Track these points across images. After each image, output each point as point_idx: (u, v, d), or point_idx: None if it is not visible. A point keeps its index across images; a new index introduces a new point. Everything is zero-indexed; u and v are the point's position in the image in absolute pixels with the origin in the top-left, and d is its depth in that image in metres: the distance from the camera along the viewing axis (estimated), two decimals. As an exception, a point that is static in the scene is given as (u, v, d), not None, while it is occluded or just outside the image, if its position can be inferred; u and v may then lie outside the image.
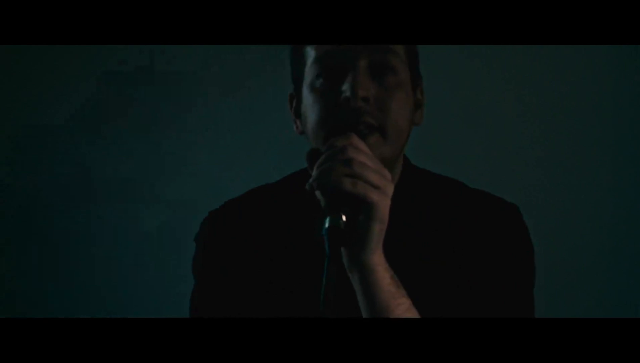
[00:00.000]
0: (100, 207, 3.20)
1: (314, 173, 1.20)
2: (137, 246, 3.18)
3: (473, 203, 1.47)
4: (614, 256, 2.84)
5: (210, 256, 1.47)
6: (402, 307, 1.26)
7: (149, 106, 3.18)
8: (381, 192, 1.18)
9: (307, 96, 1.36)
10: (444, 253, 1.39)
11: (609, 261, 2.84)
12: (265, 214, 1.44)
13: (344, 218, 1.13)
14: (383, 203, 1.18)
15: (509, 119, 2.91)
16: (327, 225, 1.12)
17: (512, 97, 2.91)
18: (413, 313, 1.29)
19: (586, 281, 2.85)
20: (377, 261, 1.22)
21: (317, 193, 1.19)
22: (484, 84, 2.92)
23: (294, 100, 1.43)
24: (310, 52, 1.36)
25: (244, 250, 1.43)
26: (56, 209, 3.23)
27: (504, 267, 1.41)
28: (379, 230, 1.19)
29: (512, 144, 2.91)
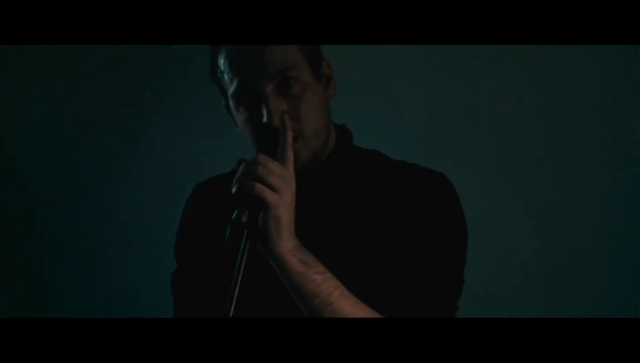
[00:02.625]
0: (104, 206, 3.21)
1: (233, 182, 1.43)
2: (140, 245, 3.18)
3: (402, 175, 1.59)
4: (614, 256, 2.84)
5: (190, 221, 1.76)
6: (315, 282, 1.43)
7: (154, 104, 3.18)
8: (279, 194, 1.39)
9: (236, 117, 1.59)
10: (374, 224, 1.54)
11: (609, 261, 2.85)
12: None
13: (245, 212, 1.37)
14: (278, 202, 1.39)
15: (509, 119, 2.91)
16: (233, 216, 1.36)
17: (512, 97, 2.91)
18: (330, 284, 1.44)
19: (586, 281, 2.85)
20: (284, 250, 1.41)
21: (232, 199, 1.42)
22: (484, 84, 2.92)
23: (228, 109, 1.64)
24: (228, 86, 1.57)
25: (220, 217, 1.58)
26: (60, 208, 3.23)
27: (436, 233, 1.54)
28: (275, 226, 1.39)
29: (512, 144, 2.91)
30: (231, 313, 1.35)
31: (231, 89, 1.55)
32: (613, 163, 2.85)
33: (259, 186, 1.39)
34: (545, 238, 2.89)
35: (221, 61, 1.58)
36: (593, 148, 2.86)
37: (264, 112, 1.51)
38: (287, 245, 1.42)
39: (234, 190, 1.41)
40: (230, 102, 1.59)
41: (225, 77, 1.56)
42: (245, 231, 1.38)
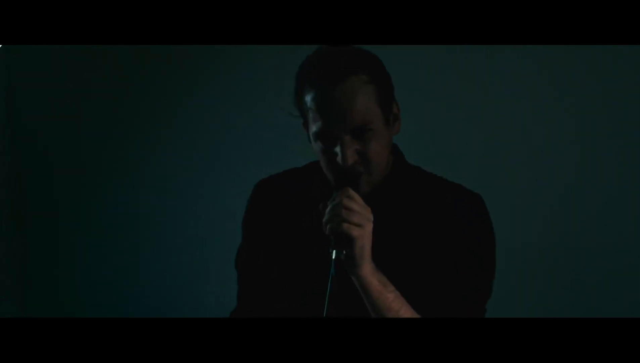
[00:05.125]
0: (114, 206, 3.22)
1: (324, 220, 1.74)
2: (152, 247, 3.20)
3: (444, 195, 1.90)
4: (614, 256, 2.84)
5: (256, 216, 1.98)
6: (390, 299, 1.76)
7: (161, 107, 3.19)
8: (362, 228, 1.72)
9: (314, 144, 1.85)
10: (420, 237, 1.85)
11: (609, 261, 2.85)
12: (298, 190, 1.94)
13: (344, 252, 1.72)
14: (362, 235, 1.72)
15: (509, 120, 2.91)
16: (334, 257, 1.71)
17: (513, 98, 2.91)
18: (399, 302, 1.77)
19: (586, 281, 2.85)
20: (366, 272, 1.74)
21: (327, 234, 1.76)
22: (484, 84, 2.93)
23: (306, 126, 1.87)
24: (311, 121, 1.82)
25: (282, 214, 1.94)
26: (72, 209, 3.25)
27: (470, 249, 1.84)
28: (359, 254, 1.73)
29: (512, 144, 2.91)
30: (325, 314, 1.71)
31: (314, 128, 1.81)
32: (613, 162, 2.85)
33: (346, 225, 1.71)
34: (546, 239, 2.89)
35: (308, 100, 1.82)
36: (593, 148, 2.86)
37: (339, 152, 1.78)
38: (368, 268, 1.75)
39: (326, 231, 1.73)
40: (311, 134, 1.83)
41: (311, 114, 1.81)
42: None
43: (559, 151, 2.88)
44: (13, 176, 3.24)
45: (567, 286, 2.86)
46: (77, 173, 3.23)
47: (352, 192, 1.75)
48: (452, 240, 1.83)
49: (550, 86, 2.89)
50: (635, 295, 2.81)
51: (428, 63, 2.94)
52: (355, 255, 1.72)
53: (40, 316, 3.15)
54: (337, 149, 1.79)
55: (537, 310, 2.85)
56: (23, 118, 3.25)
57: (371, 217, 1.74)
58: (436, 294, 1.80)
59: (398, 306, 1.76)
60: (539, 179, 2.89)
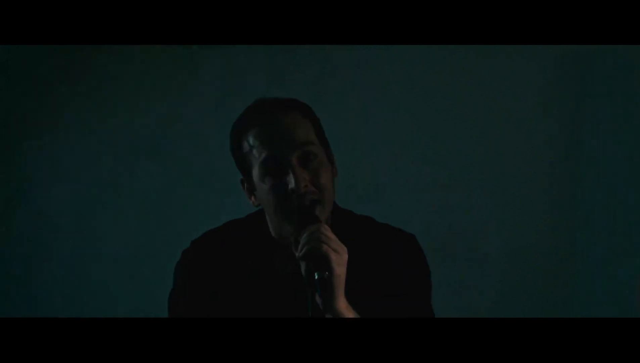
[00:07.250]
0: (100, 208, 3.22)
1: (302, 244, 1.74)
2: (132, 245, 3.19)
3: (381, 235, 1.94)
4: (614, 256, 2.84)
5: (190, 284, 1.92)
6: None
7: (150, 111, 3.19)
8: (338, 254, 1.74)
9: (260, 188, 1.85)
10: (364, 273, 1.86)
11: (608, 261, 2.85)
12: (238, 246, 1.92)
13: (326, 273, 1.70)
14: (339, 260, 1.73)
15: (509, 120, 2.91)
16: (317, 277, 1.70)
17: (513, 98, 2.91)
18: None
19: (586, 281, 2.85)
20: (341, 307, 1.74)
21: (302, 256, 1.74)
22: (484, 84, 2.93)
23: (245, 183, 1.91)
24: (255, 158, 1.85)
25: (221, 278, 1.90)
26: (57, 210, 3.24)
27: (407, 282, 1.88)
28: (337, 282, 1.72)
29: (512, 144, 2.91)
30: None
31: (261, 158, 1.82)
32: (613, 163, 2.85)
33: (325, 247, 1.72)
34: (545, 239, 2.89)
35: (250, 138, 1.85)
36: (592, 148, 2.86)
37: (291, 180, 1.80)
38: (344, 303, 1.74)
39: (303, 251, 1.72)
40: (256, 173, 1.84)
41: (254, 151, 1.84)
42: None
43: (560, 150, 2.88)
44: (10, 176, 3.24)
45: (567, 286, 2.86)
46: (76, 172, 3.22)
47: (325, 225, 1.76)
48: (392, 279, 1.86)
49: (549, 85, 2.88)
50: (635, 295, 2.81)
51: (428, 63, 2.94)
52: (333, 282, 1.71)
53: (37, 316, 3.15)
54: (288, 177, 1.81)
55: (537, 310, 2.85)
56: (21, 117, 3.24)
57: (346, 249, 1.75)
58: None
59: None
60: (540, 179, 2.89)
